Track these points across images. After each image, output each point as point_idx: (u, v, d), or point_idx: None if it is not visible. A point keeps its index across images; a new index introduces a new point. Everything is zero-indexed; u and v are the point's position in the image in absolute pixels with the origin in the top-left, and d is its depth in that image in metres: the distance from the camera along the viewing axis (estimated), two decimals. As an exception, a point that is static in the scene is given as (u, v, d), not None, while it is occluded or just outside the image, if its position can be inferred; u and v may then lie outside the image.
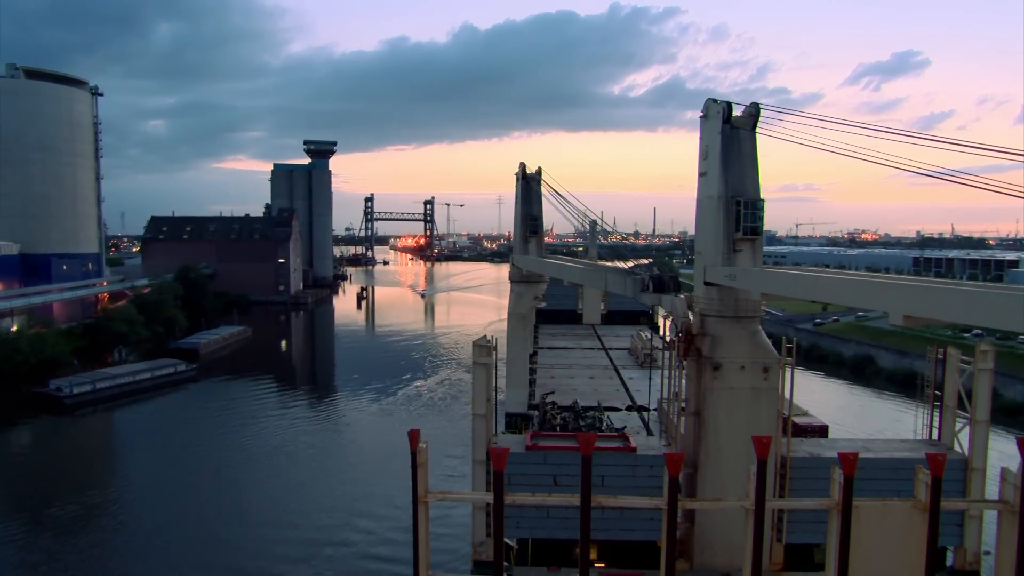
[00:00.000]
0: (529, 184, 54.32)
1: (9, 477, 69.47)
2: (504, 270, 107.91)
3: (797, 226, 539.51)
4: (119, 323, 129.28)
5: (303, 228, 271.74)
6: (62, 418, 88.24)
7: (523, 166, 54.70)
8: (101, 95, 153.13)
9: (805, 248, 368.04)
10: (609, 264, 50.80)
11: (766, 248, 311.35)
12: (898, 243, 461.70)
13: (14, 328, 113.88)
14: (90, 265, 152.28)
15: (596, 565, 28.78)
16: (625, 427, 37.77)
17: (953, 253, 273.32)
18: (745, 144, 28.22)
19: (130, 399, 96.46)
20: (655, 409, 43.31)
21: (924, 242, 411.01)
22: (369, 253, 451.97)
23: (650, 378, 44.03)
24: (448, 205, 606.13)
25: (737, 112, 28.29)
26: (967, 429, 29.20)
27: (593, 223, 61.52)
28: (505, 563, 25.68)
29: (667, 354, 33.65)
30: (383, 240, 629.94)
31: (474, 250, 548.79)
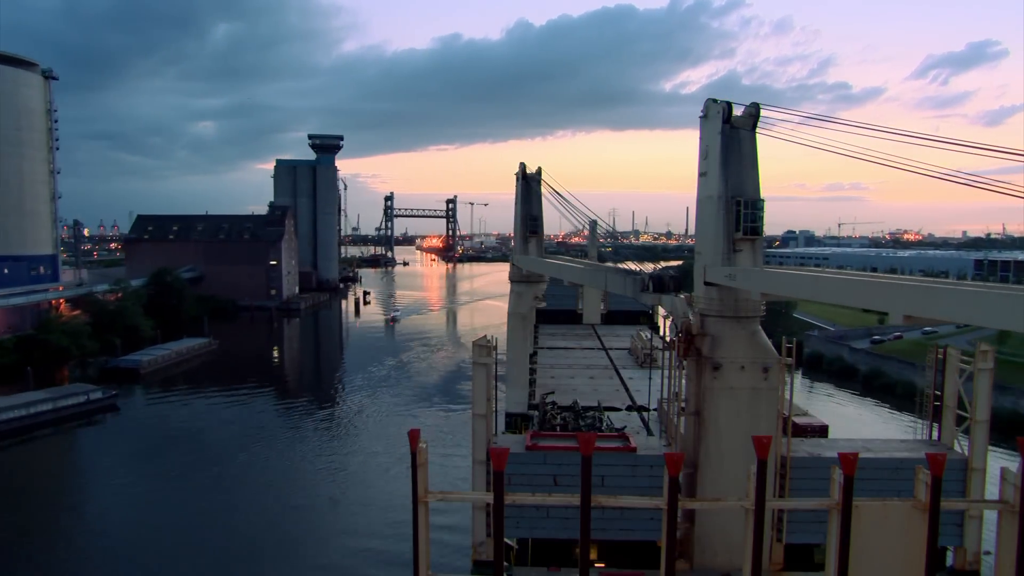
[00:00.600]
0: (529, 184, 54.31)
1: None
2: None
3: (840, 225, 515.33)
4: (58, 335, 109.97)
5: (307, 227, 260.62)
6: None
7: (523, 166, 54.71)
8: (55, 79, 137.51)
9: (848, 249, 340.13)
10: (609, 264, 50.81)
11: (805, 249, 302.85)
12: (944, 243, 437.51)
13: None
14: (42, 269, 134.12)
15: (596, 565, 28.77)
16: (625, 427, 37.76)
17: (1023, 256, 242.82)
18: (745, 144, 28.22)
19: (13, 441, 74.61)
20: (655, 409, 43.30)
21: (974, 243, 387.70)
22: (389, 254, 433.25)
23: (650, 378, 44.02)
24: (472, 204, 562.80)
25: (737, 112, 28.29)
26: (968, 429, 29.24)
27: (593, 223, 61.50)
28: (505, 563, 25.69)
29: (667, 354, 33.66)
30: (410, 240, 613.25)
31: (499, 251, 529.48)
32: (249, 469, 68.89)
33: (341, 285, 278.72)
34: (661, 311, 34.18)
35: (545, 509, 27.96)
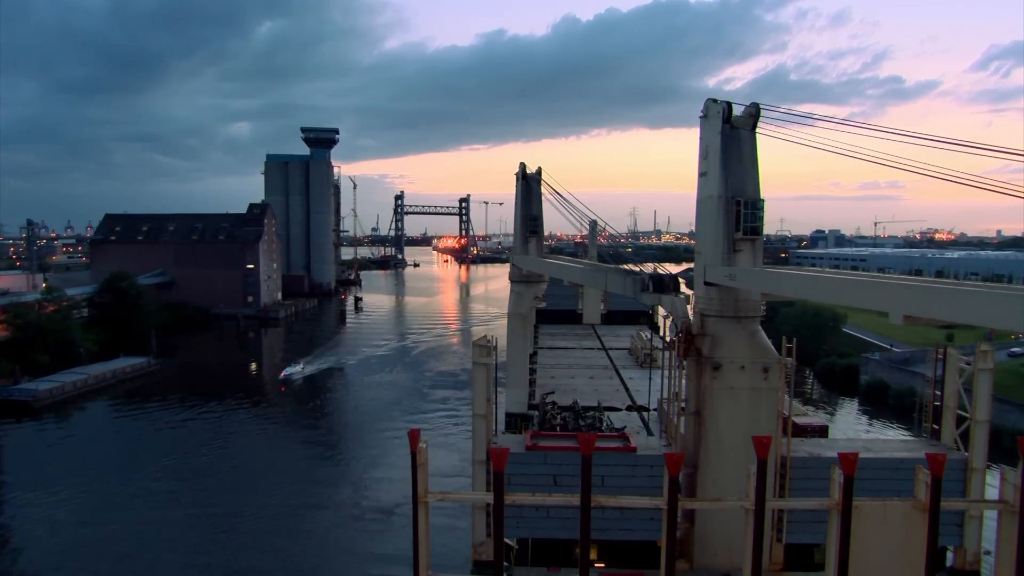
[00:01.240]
0: (529, 184, 54.31)
1: None
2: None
3: (876, 224, 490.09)
4: None
5: (300, 227, 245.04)
6: None
7: (523, 166, 54.71)
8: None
9: (887, 251, 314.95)
10: (609, 264, 50.79)
11: (840, 250, 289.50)
12: (982, 243, 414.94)
13: None
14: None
15: (596, 565, 28.78)
16: (625, 427, 37.76)
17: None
18: (745, 144, 28.22)
19: None
20: (655, 409, 43.30)
21: (1015, 242, 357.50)
22: (399, 255, 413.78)
23: (650, 378, 44.03)
24: (487, 203, 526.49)
25: (737, 112, 28.30)
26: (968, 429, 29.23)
27: (593, 223, 61.48)
28: (505, 563, 25.68)
29: (667, 354, 33.65)
30: (427, 241, 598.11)
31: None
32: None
33: (342, 289, 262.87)
34: (661, 311, 34.12)
35: (545, 509, 27.96)
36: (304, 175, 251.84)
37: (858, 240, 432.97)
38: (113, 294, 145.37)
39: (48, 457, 76.20)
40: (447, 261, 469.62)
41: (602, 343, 70.40)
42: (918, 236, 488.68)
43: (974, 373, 28.80)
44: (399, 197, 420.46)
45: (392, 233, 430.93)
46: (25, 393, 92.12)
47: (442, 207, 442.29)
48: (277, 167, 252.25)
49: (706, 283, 28.75)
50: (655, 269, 32.39)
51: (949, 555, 29.38)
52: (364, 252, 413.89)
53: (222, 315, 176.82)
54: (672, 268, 36.93)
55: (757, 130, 28.07)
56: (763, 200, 28.40)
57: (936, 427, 31.32)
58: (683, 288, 31.02)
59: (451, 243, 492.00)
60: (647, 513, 25.89)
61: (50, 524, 57.95)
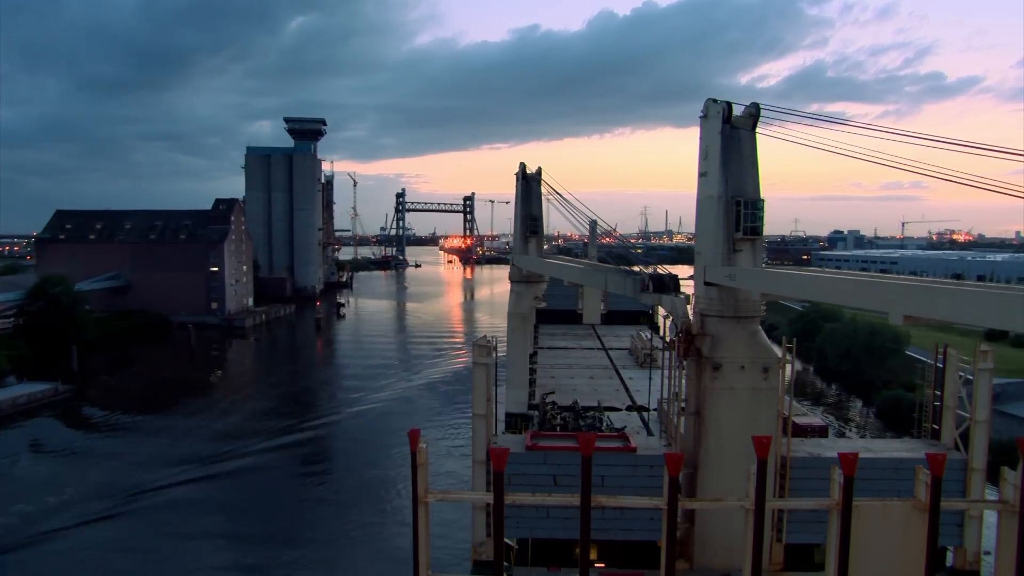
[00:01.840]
0: (529, 184, 54.33)
1: None
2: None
3: (902, 224, 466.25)
4: None
5: (283, 226, 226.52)
6: None
7: (523, 166, 54.73)
8: None
9: (920, 252, 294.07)
10: (609, 264, 50.80)
11: (866, 252, 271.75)
12: (1003, 244, 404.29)
13: None
14: None
15: (596, 565, 28.77)
16: (625, 427, 37.77)
17: None
18: (745, 144, 28.23)
19: None
20: (655, 409, 43.30)
21: None
22: (400, 255, 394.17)
23: (650, 378, 44.03)
24: (492, 202, 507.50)
25: (737, 112, 28.30)
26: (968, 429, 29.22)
27: (593, 223, 61.56)
28: (505, 563, 25.69)
29: (667, 354, 33.65)
30: (434, 241, 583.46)
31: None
32: None
33: (334, 292, 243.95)
34: (661, 311, 34.12)
35: (545, 509, 27.96)
36: (288, 169, 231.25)
37: (879, 241, 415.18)
38: (45, 301, 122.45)
39: None
40: (451, 262, 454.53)
41: (602, 343, 70.41)
42: (935, 237, 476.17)
43: (974, 373, 28.80)
44: (400, 195, 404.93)
45: (393, 232, 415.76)
46: None
47: (446, 204, 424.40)
48: (258, 160, 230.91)
49: (706, 283, 28.76)
50: (655, 270, 32.39)
51: (949, 555, 29.38)
52: (366, 252, 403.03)
53: (182, 323, 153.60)
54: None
55: (757, 130, 28.09)
56: (763, 200, 28.41)
57: (936, 427, 31.33)
58: (683, 288, 31.02)
59: (457, 243, 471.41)
60: (647, 513, 25.89)
61: None
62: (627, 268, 37.55)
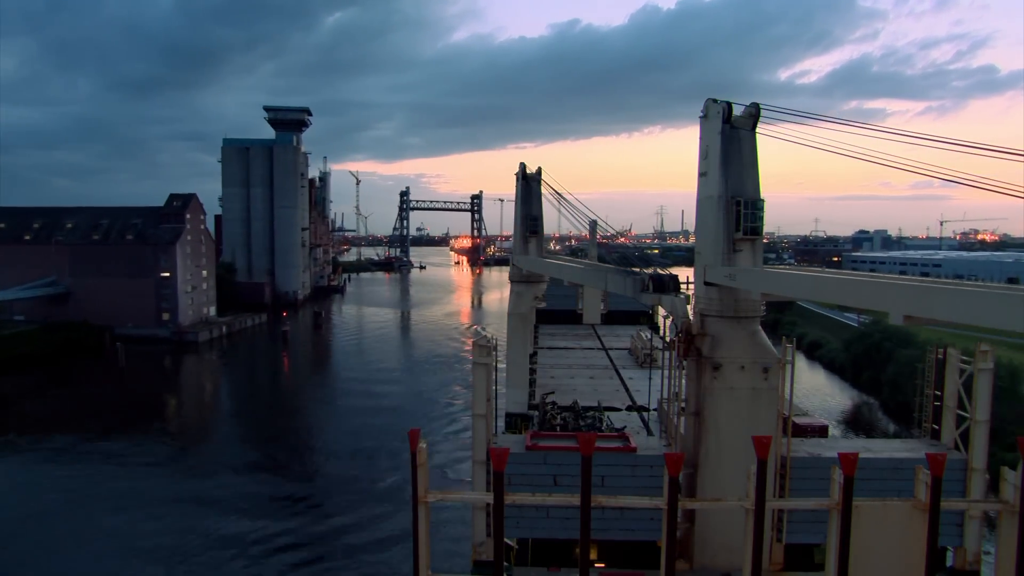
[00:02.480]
0: (529, 184, 54.34)
1: None
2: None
3: (941, 223, 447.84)
4: None
5: (263, 225, 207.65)
6: None
7: (523, 166, 54.76)
8: None
9: (965, 254, 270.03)
10: (609, 264, 50.80)
11: (905, 253, 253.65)
12: None
13: None
14: None
15: (596, 565, 28.77)
16: (625, 427, 37.76)
17: None
18: (745, 144, 28.22)
19: None
20: (655, 409, 43.29)
21: None
22: (405, 256, 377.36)
23: (650, 378, 44.02)
24: (501, 201, 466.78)
25: (737, 112, 28.30)
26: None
27: (593, 223, 61.56)
28: (505, 563, 25.68)
29: (667, 354, 33.64)
30: (445, 241, 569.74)
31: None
32: None
33: (326, 297, 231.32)
34: (661, 311, 34.16)
35: (545, 509, 27.95)
36: (266, 163, 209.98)
37: (908, 242, 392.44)
38: None
39: None
40: (458, 263, 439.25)
41: (602, 343, 70.40)
42: (957, 237, 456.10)
43: (974, 373, 28.79)
44: (404, 194, 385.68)
45: (397, 232, 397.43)
46: None
47: (452, 203, 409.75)
48: (235, 153, 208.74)
49: (706, 283, 28.75)
50: (655, 270, 32.39)
51: (949, 555, 29.37)
52: (374, 253, 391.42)
53: (127, 337, 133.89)
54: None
55: (757, 130, 28.08)
56: (763, 200, 28.40)
57: (936, 427, 31.32)
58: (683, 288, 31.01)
59: (466, 243, 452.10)
60: (647, 513, 25.88)
61: None
62: (627, 268, 37.53)
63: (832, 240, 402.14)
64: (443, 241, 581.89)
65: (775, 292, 26.66)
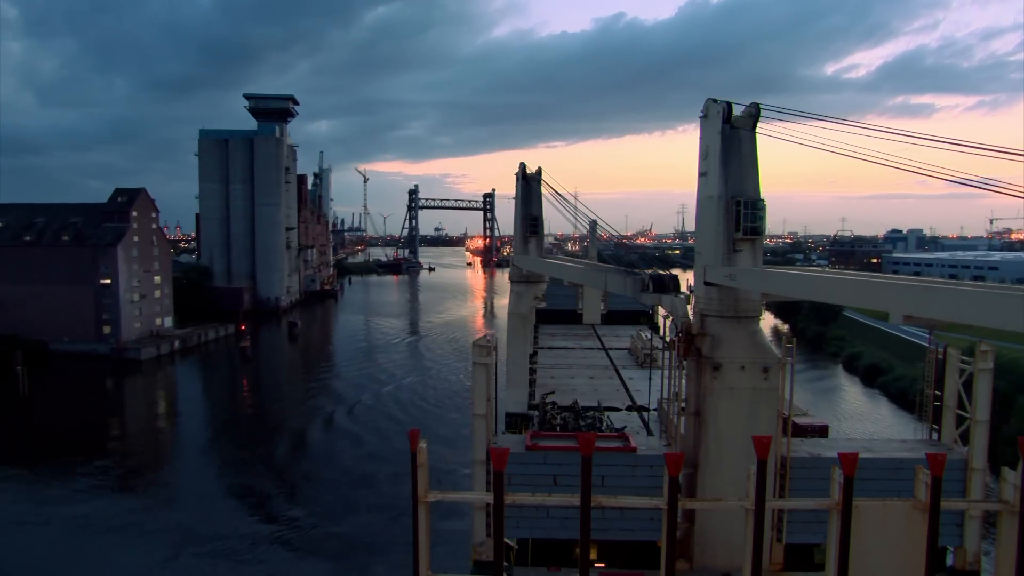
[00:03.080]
0: (529, 184, 54.35)
1: None
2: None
3: (991, 221, 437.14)
4: None
5: (243, 225, 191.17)
6: None
7: (523, 166, 54.76)
8: None
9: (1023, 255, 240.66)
10: (609, 264, 50.80)
11: (953, 255, 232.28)
12: None
13: None
14: None
15: (596, 565, 28.77)
16: (625, 427, 37.76)
17: None
18: (745, 144, 28.22)
19: None
20: (655, 409, 43.30)
21: None
22: (413, 258, 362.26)
23: (650, 378, 44.02)
24: (515, 199, 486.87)
25: (737, 112, 28.30)
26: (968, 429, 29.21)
27: (593, 223, 61.60)
28: (505, 563, 25.67)
29: (667, 354, 33.64)
30: (460, 242, 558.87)
31: (553, 255, 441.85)
32: None
33: (317, 304, 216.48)
34: (661, 311, 34.19)
35: (545, 509, 27.95)
36: (246, 156, 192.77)
37: (945, 242, 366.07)
38: None
39: None
40: (471, 264, 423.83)
41: (602, 343, 70.40)
42: (987, 236, 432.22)
43: (974, 373, 28.79)
44: (413, 192, 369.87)
45: (405, 232, 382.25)
46: None
47: (463, 201, 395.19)
48: (214, 146, 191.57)
49: (706, 283, 28.76)
50: (655, 270, 32.38)
51: (949, 555, 29.37)
52: (384, 254, 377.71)
53: (62, 354, 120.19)
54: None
55: (757, 130, 28.08)
56: (763, 200, 28.39)
57: (936, 427, 31.33)
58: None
59: (480, 243, 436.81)
60: (647, 513, 25.87)
61: None
62: (627, 268, 37.53)
63: (870, 240, 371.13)
64: (460, 241, 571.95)
65: (775, 292, 26.64)
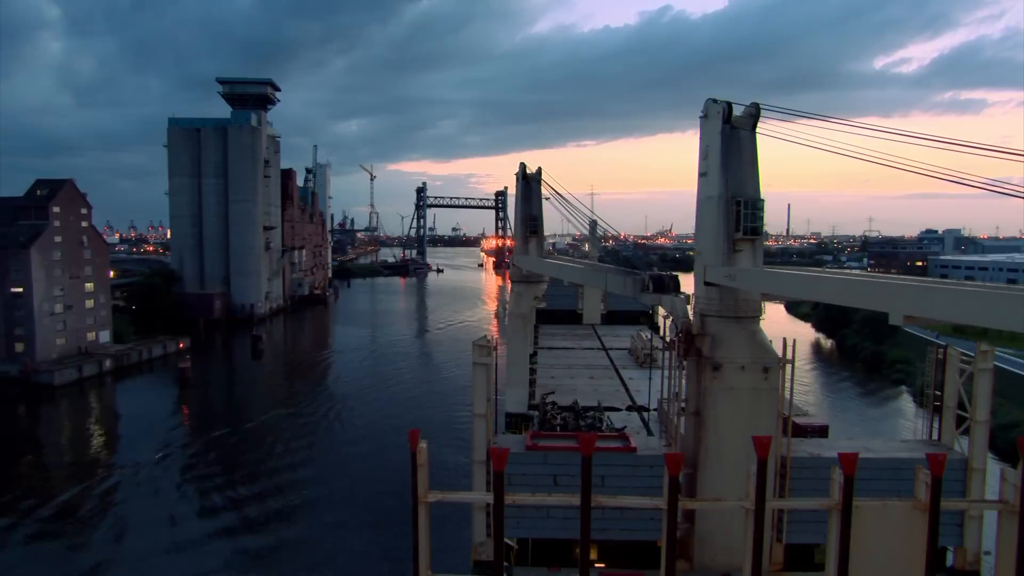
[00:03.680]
0: (529, 184, 54.36)
1: None
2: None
3: None
4: None
5: (216, 224, 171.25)
6: None
7: (523, 166, 54.78)
8: None
9: None
10: (609, 264, 50.82)
11: (1011, 257, 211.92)
12: None
13: None
14: None
15: (596, 565, 28.77)
16: (625, 427, 37.77)
17: None
18: (745, 144, 28.22)
19: None
20: (655, 409, 43.30)
21: None
22: (421, 259, 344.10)
23: (650, 378, 44.03)
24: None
25: (737, 112, 28.30)
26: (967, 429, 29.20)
27: (593, 223, 61.54)
28: (505, 563, 25.67)
29: (667, 354, 33.65)
30: (476, 242, 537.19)
31: (569, 255, 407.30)
32: None
33: (307, 310, 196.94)
34: (661, 311, 34.23)
35: (545, 509, 27.95)
36: (220, 146, 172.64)
37: (984, 243, 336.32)
38: None
39: None
40: (482, 265, 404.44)
41: (602, 343, 70.41)
42: (1020, 236, 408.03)
43: (974, 373, 28.79)
44: (420, 190, 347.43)
45: (413, 232, 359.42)
46: None
47: (474, 199, 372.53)
48: (184, 137, 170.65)
49: (706, 283, 28.76)
50: (655, 270, 32.40)
51: (949, 555, 29.38)
52: (386, 253, 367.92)
53: None
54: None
55: (757, 130, 28.08)
56: (763, 200, 28.40)
57: (936, 427, 31.34)
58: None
59: (493, 244, 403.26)
60: (647, 513, 25.87)
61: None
62: (627, 268, 37.55)
63: (909, 242, 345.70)
64: (477, 241, 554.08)
65: (775, 292, 26.67)
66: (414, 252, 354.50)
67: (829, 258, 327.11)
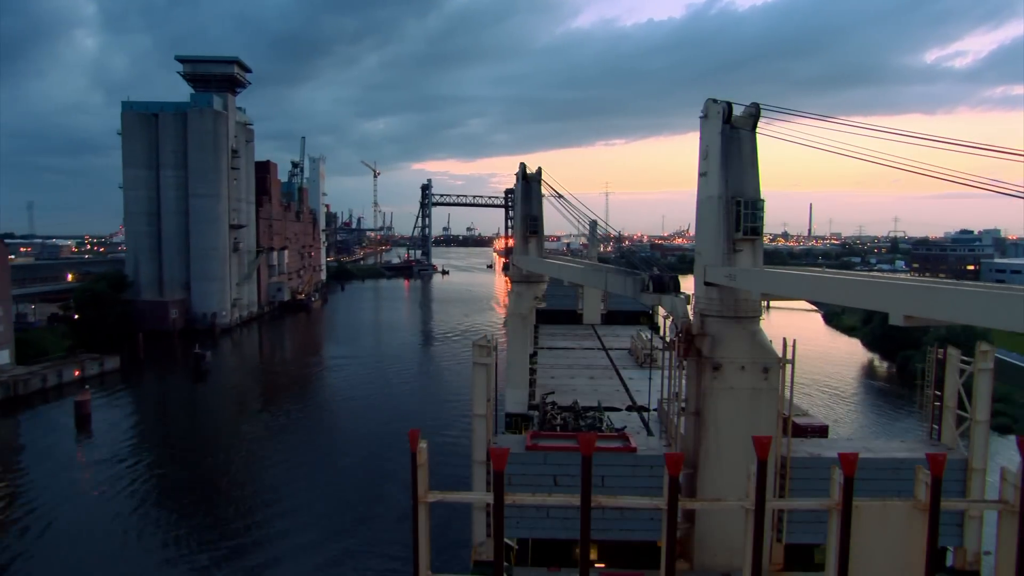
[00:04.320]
0: (529, 184, 54.34)
1: None
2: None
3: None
4: None
5: (175, 221, 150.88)
6: None
7: (523, 166, 54.75)
8: None
9: None
10: (609, 264, 50.81)
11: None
12: None
13: None
14: None
15: (596, 565, 28.76)
16: (625, 427, 37.76)
17: None
18: (745, 144, 28.23)
19: None
20: (655, 409, 43.30)
21: None
22: (426, 260, 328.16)
23: (650, 378, 44.03)
24: (556, 197, 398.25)
25: (737, 112, 28.31)
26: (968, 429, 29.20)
27: (593, 223, 61.56)
28: (505, 563, 25.68)
29: (667, 354, 33.66)
30: (490, 242, 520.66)
31: (578, 255, 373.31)
32: None
33: (289, 318, 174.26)
34: (661, 311, 34.25)
35: (545, 509, 27.95)
36: (179, 133, 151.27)
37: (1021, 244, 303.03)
38: None
39: None
40: (491, 265, 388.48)
41: (602, 343, 70.42)
42: (1012, 238, 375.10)
43: (974, 373, 28.80)
44: (426, 187, 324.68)
45: (418, 231, 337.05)
46: None
47: (482, 197, 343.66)
48: (139, 123, 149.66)
49: (706, 283, 28.77)
50: (655, 270, 32.40)
51: (949, 555, 29.38)
52: (391, 254, 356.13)
53: None
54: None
55: (757, 130, 28.08)
56: (763, 200, 28.40)
57: (936, 427, 31.34)
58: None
59: (503, 244, 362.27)
60: (647, 513, 25.89)
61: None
62: (627, 268, 37.55)
63: (966, 243, 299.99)
64: (491, 241, 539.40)
65: (775, 292, 26.67)
66: (418, 252, 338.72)
67: (857, 260, 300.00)
